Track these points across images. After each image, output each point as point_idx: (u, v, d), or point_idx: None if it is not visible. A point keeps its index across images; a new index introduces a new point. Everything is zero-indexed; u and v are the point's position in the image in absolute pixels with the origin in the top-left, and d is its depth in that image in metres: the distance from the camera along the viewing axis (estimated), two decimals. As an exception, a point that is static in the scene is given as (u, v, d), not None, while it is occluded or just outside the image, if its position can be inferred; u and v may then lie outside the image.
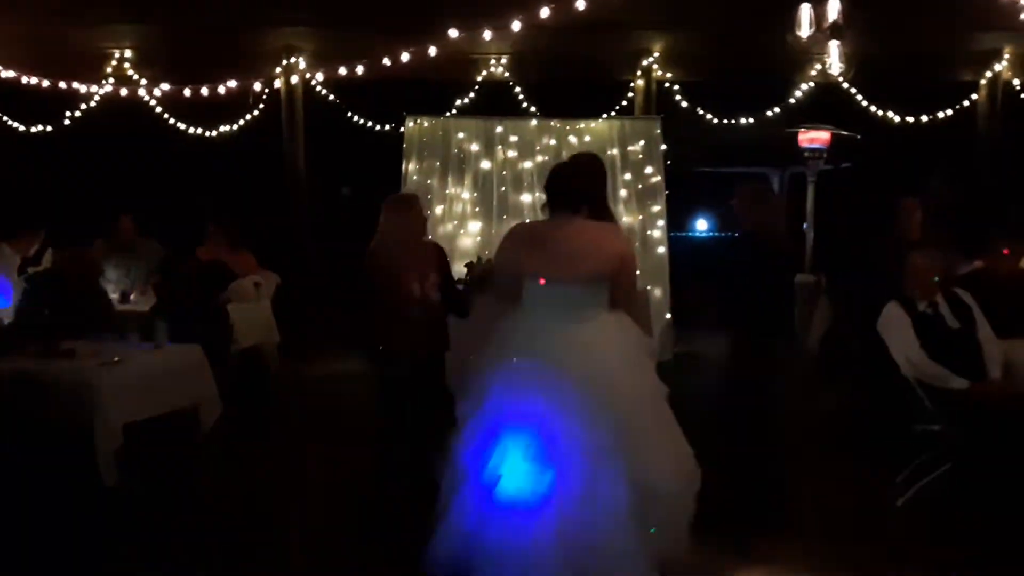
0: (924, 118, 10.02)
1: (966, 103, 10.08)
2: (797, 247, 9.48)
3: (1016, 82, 10.01)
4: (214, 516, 4.60)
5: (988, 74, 10.00)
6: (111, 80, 9.24)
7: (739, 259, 4.70)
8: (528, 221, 4.07)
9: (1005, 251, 5.58)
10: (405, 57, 7.91)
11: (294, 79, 9.48)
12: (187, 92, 8.93)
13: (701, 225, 14.13)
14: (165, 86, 9.14)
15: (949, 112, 10.08)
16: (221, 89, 8.67)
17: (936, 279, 4.99)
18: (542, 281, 3.54)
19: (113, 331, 5.43)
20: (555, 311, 3.52)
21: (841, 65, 6.55)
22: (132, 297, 7.00)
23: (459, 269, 7.96)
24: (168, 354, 5.05)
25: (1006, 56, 9.87)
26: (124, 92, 9.22)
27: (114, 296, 6.92)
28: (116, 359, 4.69)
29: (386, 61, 8.05)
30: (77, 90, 9.22)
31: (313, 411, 6.78)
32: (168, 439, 4.93)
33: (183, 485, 4.91)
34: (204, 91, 8.56)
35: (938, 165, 7.76)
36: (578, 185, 3.68)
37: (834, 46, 6.49)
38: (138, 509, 4.56)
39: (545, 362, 3.41)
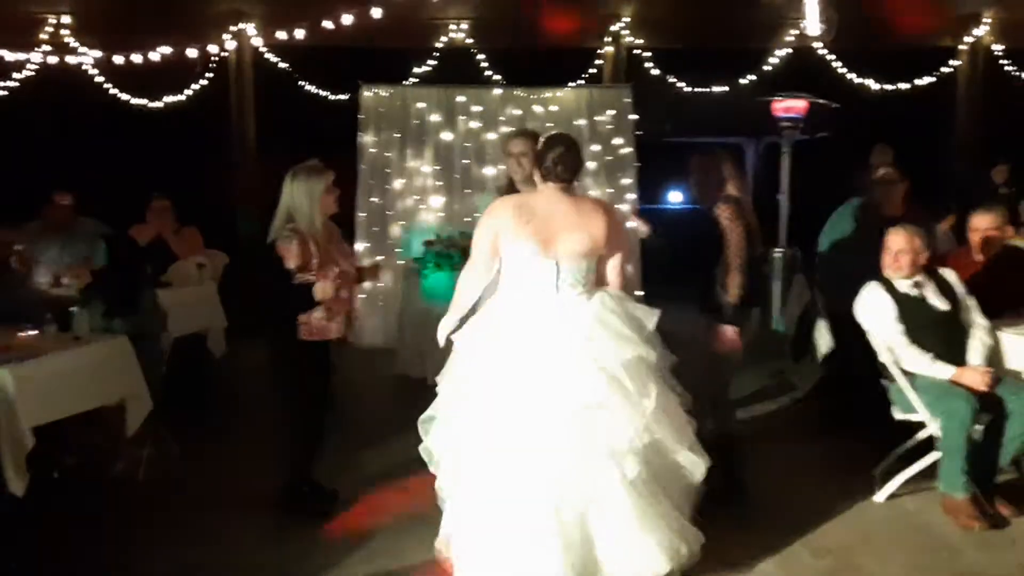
0: (903, 85, 9.72)
1: (946, 70, 9.79)
2: (767, 220, 9.24)
3: (997, 47, 9.74)
4: (141, 526, 4.23)
5: (969, 39, 9.71)
6: (46, 47, 8.68)
7: (698, 234, 4.50)
8: (520, 193, 3.80)
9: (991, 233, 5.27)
10: (348, 19, 7.41)
11: (241, 45, 9.00)
12: (130, 59, 8.40)
13: (675, 197, 13.82)
14: (105, 54, 8.59)
15: (929, 79, 9.78)
16: (158, 54, 8.14)
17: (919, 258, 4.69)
18: (542, 256, 3.46)
19: (33, 320, 4.98)
20: (550, 287, 3.48)
21: (821, 26, 6.17)
22: (64, 280, 6.53)
23: (418, 248, 7.62)
24: (90, 346, 4.61)
25: (987, 20, 9.60)
26: (61, 60, 8.67)
27: (45, 280, 6.45)
28: (29, 353, 4.25)
29: (328, 24, 7.55)
30: (9, 59, 8.66)
31: (259, 401, 6.36)
32: (89, 441, 4.50)
33: (106, 492, 4.50)
34: (143, 58, 8.03)
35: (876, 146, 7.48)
36: (577, 156, 3.59)
37: (812, 4, 6.09)
38: (52, 521, 4.17)
39: (538, 343, 3.37)
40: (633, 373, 3.38)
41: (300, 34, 8.37)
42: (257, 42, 9.05)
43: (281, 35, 8.29)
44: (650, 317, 3.58)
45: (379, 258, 7.81)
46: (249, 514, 4.35)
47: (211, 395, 6.49)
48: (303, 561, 3.85)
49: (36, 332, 4.52)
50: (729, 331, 4.37)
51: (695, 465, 3.53)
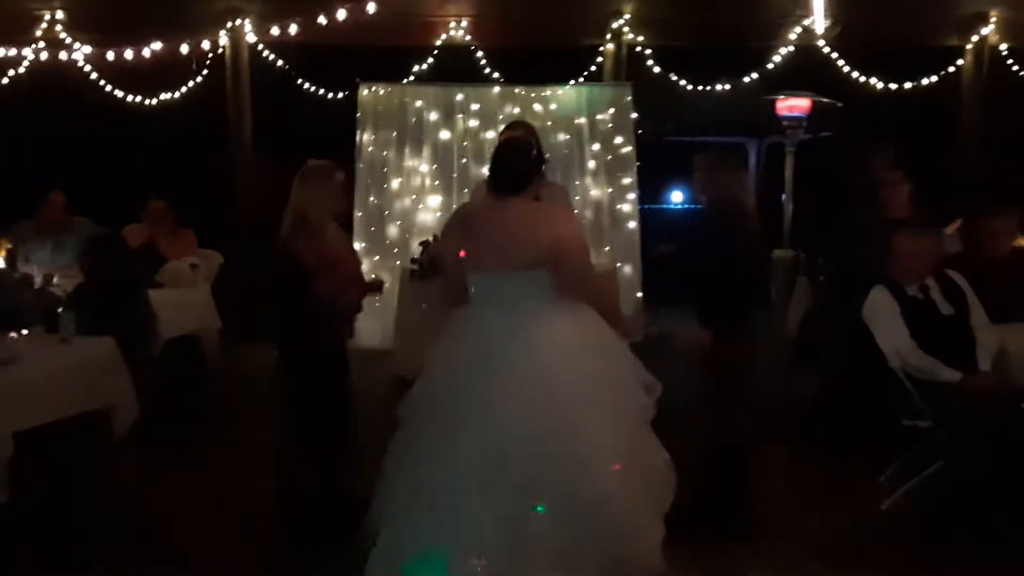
0: (908, 85, 9.58)
1: (951, 69, 9.65)
2: (770, 221, 9.14)
3: (1003, 47, 9.60)
4: (126, 536, 4.13)
5: (974, 39, 9.57)
6: (41, 44, 8.56)
7: (700, 234, 4.43)
8: (468, 202, 3.66)
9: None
10: (342, 15, 7.27)
11: (238, 42, 8.87)
12: (124, 56, 8.28)
13: (676, 197, 13.68)
14: (100, 50, 8.47)
15: (934, 79, 9.64)
16: (147, 51, 8.03)
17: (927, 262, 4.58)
18: (476, 270, 3.25)
19: (20, 321, 4.87)
20: (496, 302, 3.23)
21: (826, 22, 6.04)
22: (55, 280, 6.42)
23: (416, 247, 7.52)
24: (75, 349, 4.50)
25: (993, 20, 9.43)
26: (54, 57, 8.54)
27: (36, 280, 6.34)
28: (10, 356, 4.13)
29: (323, 20, 7.40)
30: (3, 55, 8.53)
31: (252, 406, 6.25)
32: (74, 447, 4.38)
33: (91, 500, 4.38)
34: (135, 54, 7.89)
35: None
36: (525, 165, 3.32)
37: (818, 1, 5.97)
38: (35, 530, 4.05)
39: (486, 359, 3.13)
40: (579, 391, 3.09)
41: (296, 31, 8.23)
42: (253, 39, 8.91)
43: (277, 32, 8.14)
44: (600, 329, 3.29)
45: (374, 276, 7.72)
46: (245, 525, 4.23)
47: (205, 399, 6.36)
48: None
49: (18, 334, 4.40)
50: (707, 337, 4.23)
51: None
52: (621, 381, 3.19)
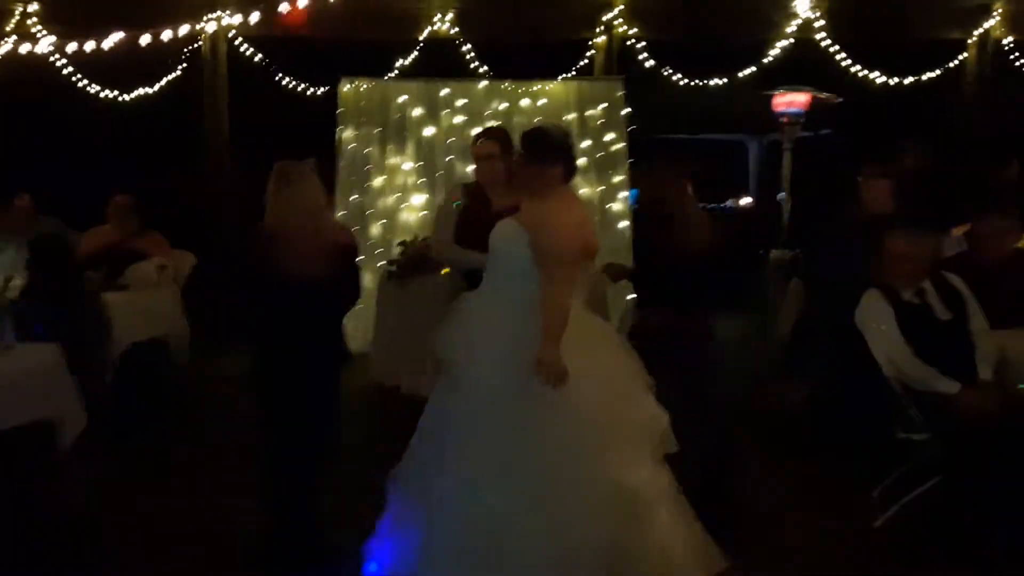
0: (909, 79, 9.31)
1: (954, 63, 9.38)
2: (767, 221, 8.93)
3: (1007, 40, 9.34)
4: (72, 557, 3.86)
5: (977, 32, 9.32)
6: (13, 37, 8.31)
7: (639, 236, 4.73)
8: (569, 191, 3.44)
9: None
10: (303, 2, 6.98)
11: (215, 35, 8.63)
12: (95, 49, 7.99)
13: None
14: (74, 44, 8.20)
15: (936, 73, 9.37)
16: (121, 42, 7.73)
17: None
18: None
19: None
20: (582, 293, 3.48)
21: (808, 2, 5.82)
22: (15, 283, 6.18)
23: (395, 249, 7.24)
24: (16, 356, 4.24)
25: (996, 12, 9.23)
26: (29, 51, 8.27)
27: (-2, 283, 6.09)
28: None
29: (284, 8, 7.14)
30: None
31: (217, 416, 5.98)
32: (16, 460, 4.11)
33: (33, 519, 4.08)
34: (108, 47, 7.62)
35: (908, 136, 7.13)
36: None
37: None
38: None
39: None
40: None
41: (274, 23, 7.97)
42: (231, 32, 8.65)
43: (256, 18, 7.85)
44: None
45: None
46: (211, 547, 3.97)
47: (169, 406, 6.10)
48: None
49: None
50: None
51: None
52: None
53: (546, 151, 3.30)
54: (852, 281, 4.51)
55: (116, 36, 7.66)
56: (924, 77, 9.37)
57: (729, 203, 13.35)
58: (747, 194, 13.32)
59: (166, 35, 7.78)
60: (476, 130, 7.97)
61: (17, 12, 8.38)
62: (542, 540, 3.01)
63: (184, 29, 7.94)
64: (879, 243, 4.42)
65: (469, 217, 4.35)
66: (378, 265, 7.81)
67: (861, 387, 4.50)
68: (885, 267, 4.37)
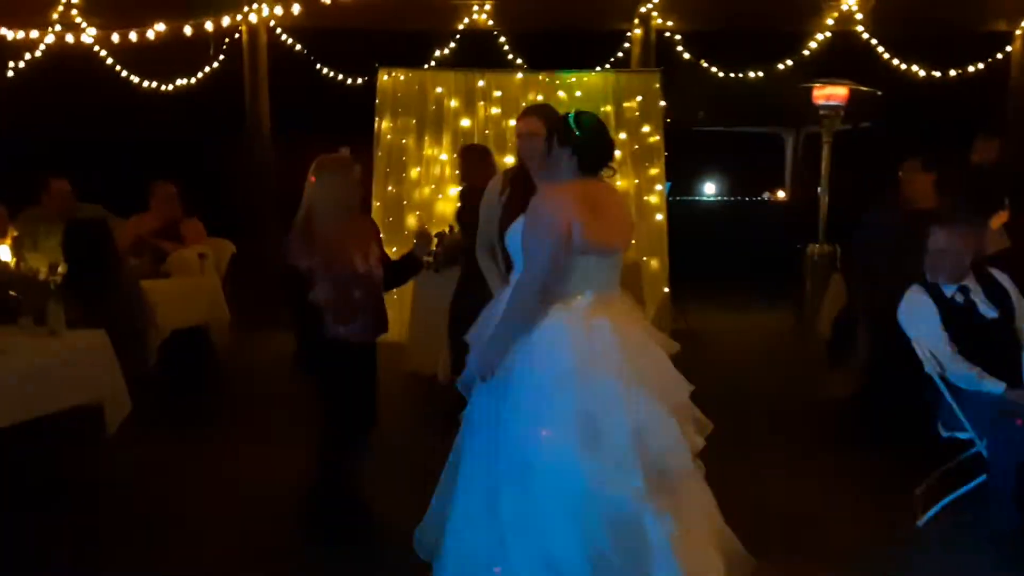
0: (952, 72, 9.15)
1: (999, 56, 9.21)
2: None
3: (1055, 32, 9.16)
4: (116, 540, 3.91)
5: (1024, 24, 9.15)
6: (57, 27, 8.45)
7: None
8: (576, 181, 3.31)
9: None
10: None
11: (255, 26, 8.69)
12: (141, 39, 8.13)
13: (708, 189, 13.37)
14: (116, 34, 8.34)
15: (980, 66, 9.21)
16: (164, 35, 7.85)
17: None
18: (595, 250, 3.14)
19: (10, 311, 4.71)
20: (598, 285, 3.18)
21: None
22: (60, 269, 6.29)
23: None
24: (64, 341, 4.32)
25: (1044, 3, 9.02)
26: (75, 40, 8.43)
27: (42, 269, 6.20)
28: (-8, 349, 3.97)
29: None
30: (19, 39, 8.43)
31: (259, 401, 6.07)
32: (62, 444, 4.20)
33: (80, 501, 4.18)
34: (148, 38, 7.74)
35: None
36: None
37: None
38: (21, 534, 3.85)
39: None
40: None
41: (315, 14, 8.02)
42: (271, 22, 8.72)
43: (297, 13, 7.92)
44: None
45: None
46: (252, 525, 4.03)
47: (212, 392, 6.19)
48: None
49: (10, 325, 4.24)
50: None
51: None
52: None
53: (558, 137, 3.20)
54: (895, 276, 4.47)
55: (157, 27, 7.77)
56: (968, 70, 9.21)
57: (765, 196, 13.27)
58: (783, 188, 13.21)
59: (207, 26, 7.87)
60: (513, 121, 8.05)
61: (61, 3, 8.51)
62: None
63: (225, 20, 8.04)
64: (922, 238, 4.36)
65: (510, 207, 4.14)
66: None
67: (904, 384, 4.44)
68: (927, 262, 4.31)
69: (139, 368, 4.80)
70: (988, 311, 4.21)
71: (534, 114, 4.15)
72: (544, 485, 2.92)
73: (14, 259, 6.03)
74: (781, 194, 13.16)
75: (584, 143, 3.16)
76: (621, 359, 3.02)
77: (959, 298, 4.21)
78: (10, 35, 8.24)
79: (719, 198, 13.61)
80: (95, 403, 4.37)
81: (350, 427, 3.93)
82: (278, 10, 8.20)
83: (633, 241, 8.08)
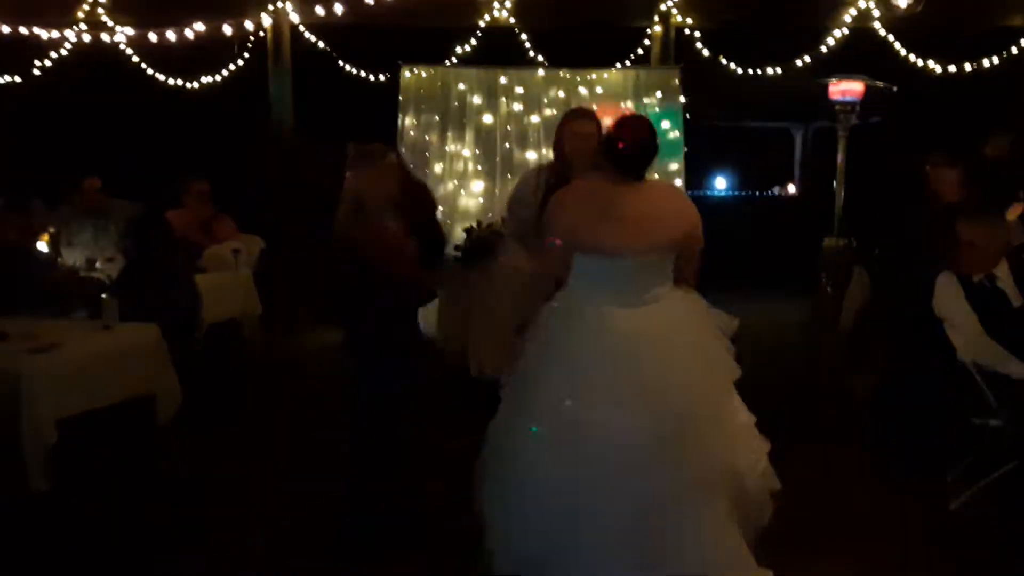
0: (968, 67, 9.18)
1: (1015, 51, 9.23)
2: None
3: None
4: (168, 527, 4.05)
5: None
6: (82, 26, 8.52)
7: None
8: (589, 180, 3.44)
9: None
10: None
11: (279, 23, 8.76)
12: (165, 38, 8.22)
13: (719, 184, 13.43)
14: (141, 32, 8.41)
15: (996, 61, 9.23)
16: (189, 33, 7.93)
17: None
18: (599, 252, 3.22)
19: (62, 307, 4.82)
20: (614, 286, 3.24)
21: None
22: (98, 264, 6.39)
23: (459, 234, 7.36)
24: (119, 335, 4.42)
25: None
26: (95, 39, 8.50)
27: (79, 264, 6.31)
28: (51, 342, 4.07)
29: (370, 0, 7.25)
30: (46, 37, 8.50)
31: (294, 392, 6.20)
32: (116, 434, 4.30)
33: (133, 489, 4.27)
34: (173, 36, 7.82)
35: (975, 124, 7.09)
36: (655, 146, 3.32)
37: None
38: (76, 520, 3.95)
39: (607, 350, 3.16)
40: (700, 386, 3.29)
41: (339, 11, 8.10)
42: (295, 19, 8.79)
43: (320, 12, 8.00)
44: (728, 320, 3.52)
45: None
46: (300, 517, 4.12)
47: (246, 385, 6.29)
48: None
49: (65, 319, 4.34)
50: None
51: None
52: (717, 349, 3.29)
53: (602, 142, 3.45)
54: (922, 270, 4.56)
55: (185, 27, 7.85)
56: (984, 65, 9.22)
57: (776, 190, 13.34)
58: (792, 182, 13.28)
59: (232, 26, 7.95)
60: (535, 117, 8.20)
61: (87, 1, 8.58)
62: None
63: (249, 19, 8.11)
64: (948, 231, 4.46)
65: (544, 202, 4.31)
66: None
67: (936, 373, 4.53)
68: (955, 255, 4.41)
69: (188, 359, 4.88)
70: (1016, 299, 4.31)
71: (592, 119, 4.26)
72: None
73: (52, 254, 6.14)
74: (791, 188, 13.23)
75: (611, 147, 3.28)
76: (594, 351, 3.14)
77: (987, 284, 4.32)
78: (44, 35, 8.31)
79: (730, 193, 13.67)
80: (148, 395, 4.47)
81: (388, 415, 3.91)
82: (301, 9, 8.27)
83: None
